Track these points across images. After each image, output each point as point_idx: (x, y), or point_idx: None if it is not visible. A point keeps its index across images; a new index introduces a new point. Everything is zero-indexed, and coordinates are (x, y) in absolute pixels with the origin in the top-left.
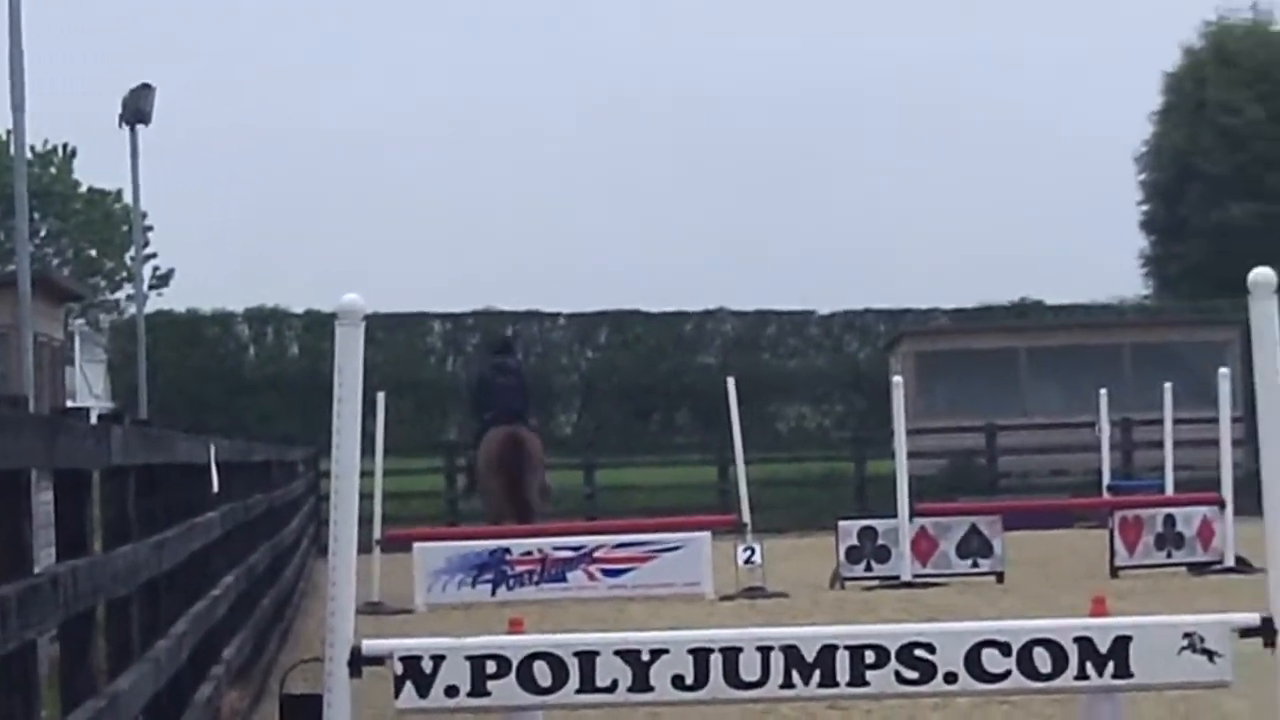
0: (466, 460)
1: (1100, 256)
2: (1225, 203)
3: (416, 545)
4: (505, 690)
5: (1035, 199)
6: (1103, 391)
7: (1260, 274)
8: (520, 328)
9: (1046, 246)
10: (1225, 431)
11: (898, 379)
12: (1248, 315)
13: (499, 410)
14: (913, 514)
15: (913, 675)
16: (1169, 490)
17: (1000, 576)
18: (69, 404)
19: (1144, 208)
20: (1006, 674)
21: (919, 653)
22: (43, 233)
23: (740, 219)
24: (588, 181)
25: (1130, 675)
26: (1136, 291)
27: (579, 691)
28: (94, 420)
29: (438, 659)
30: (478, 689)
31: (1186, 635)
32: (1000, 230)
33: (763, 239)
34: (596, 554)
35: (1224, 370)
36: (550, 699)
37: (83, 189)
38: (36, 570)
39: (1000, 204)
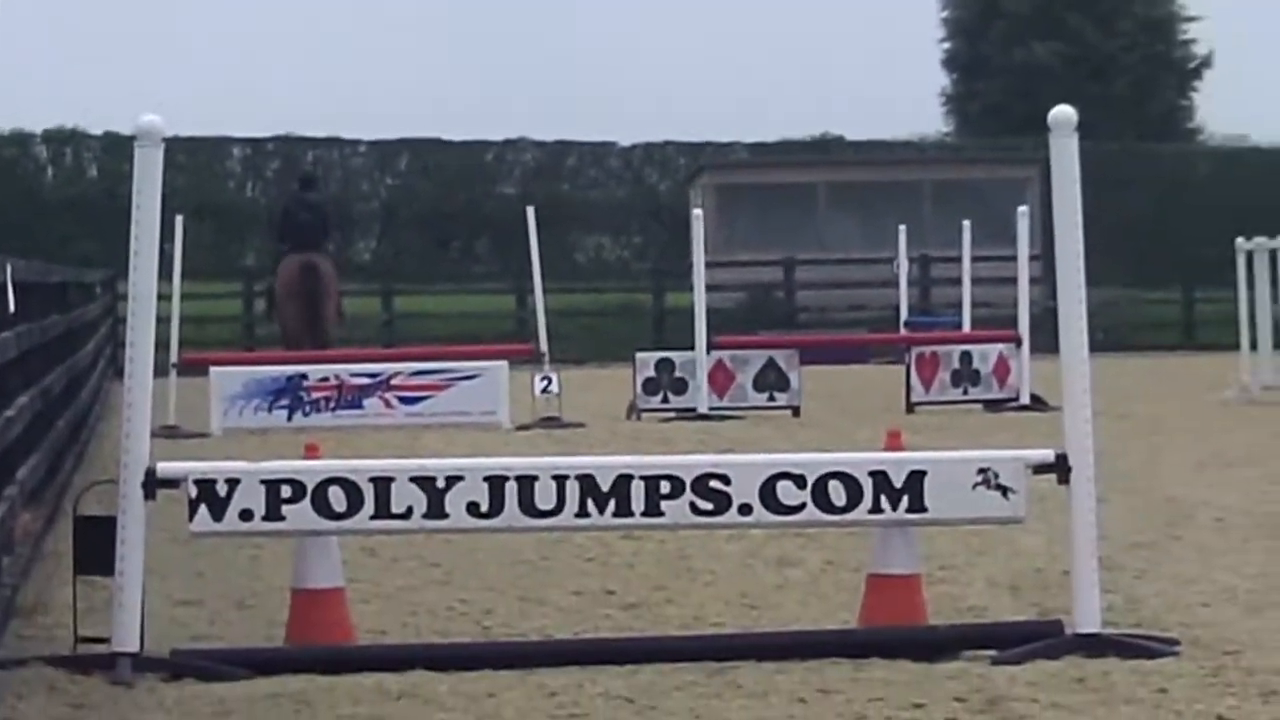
0: (266, 286)
1: (901, 93)
2: (1028, 41)
3: (213, 370)
4: (300, 515)
5: (837, 33)
6: (902, 228)
7: (1060, 112)
8: (320, 154)
9: (848, 82)
10: (1023, 269)
11: (697, 212)
12: (1048, 154)
13: (296, 241)
14: (710, 347)
15: (707, 506)
16: (966, 327)
17: (796, 410)
18: None
19: (946, 45)
20: (801, 506)
21: (714, 484)
22: None
23: (542, 47)
24: (390, 4)
25: (925, 510)
26: (937, 129)
27: (373, 518)
28: None
29: (232, 483)
30: (272, 513)
31: (981, 471)
32: (801, 65)
33: (565, 69)
34: (393, 381)
35: (1023, 209)
36: (345, 524)
37: None
38: None
39: (801, 38)
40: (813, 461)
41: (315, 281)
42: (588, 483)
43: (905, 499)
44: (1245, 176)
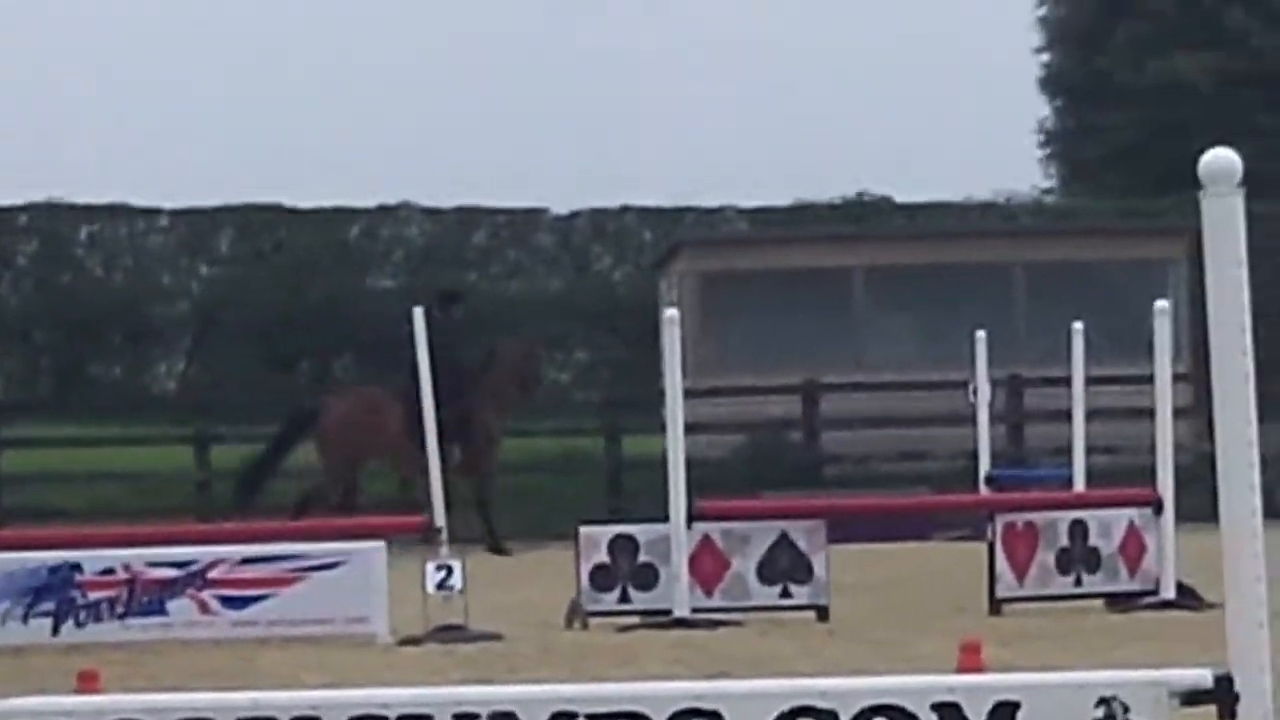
0: None
1: (977, 132)
2: (1169, 50)
3: None
4: None
5: (878, 46)
6: (980, 334)
7: (1218, 158)
8: (100, 229)
9: (894, 120)
10: (1163, 397)
11: (672, 313)
12: (1199, 221)
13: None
14: (693, 517)
15: None
16: (1079, 485)
17: (824, 612)
18: None
19: (1044, 57)
20: None
21: None
22: None
23: (436, 72)
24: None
25: None
26: (1033, 185)
27: None
28: None
29: None
30: None
31: (1103, 702)
32: (825, 93)
33: (476, 108)
34: (212, 573)
35: (1162, 304)
36: None
37: None
38: None
39: (827, 54)
40: (849, 690)
41: None
42: None
43: None
44: None
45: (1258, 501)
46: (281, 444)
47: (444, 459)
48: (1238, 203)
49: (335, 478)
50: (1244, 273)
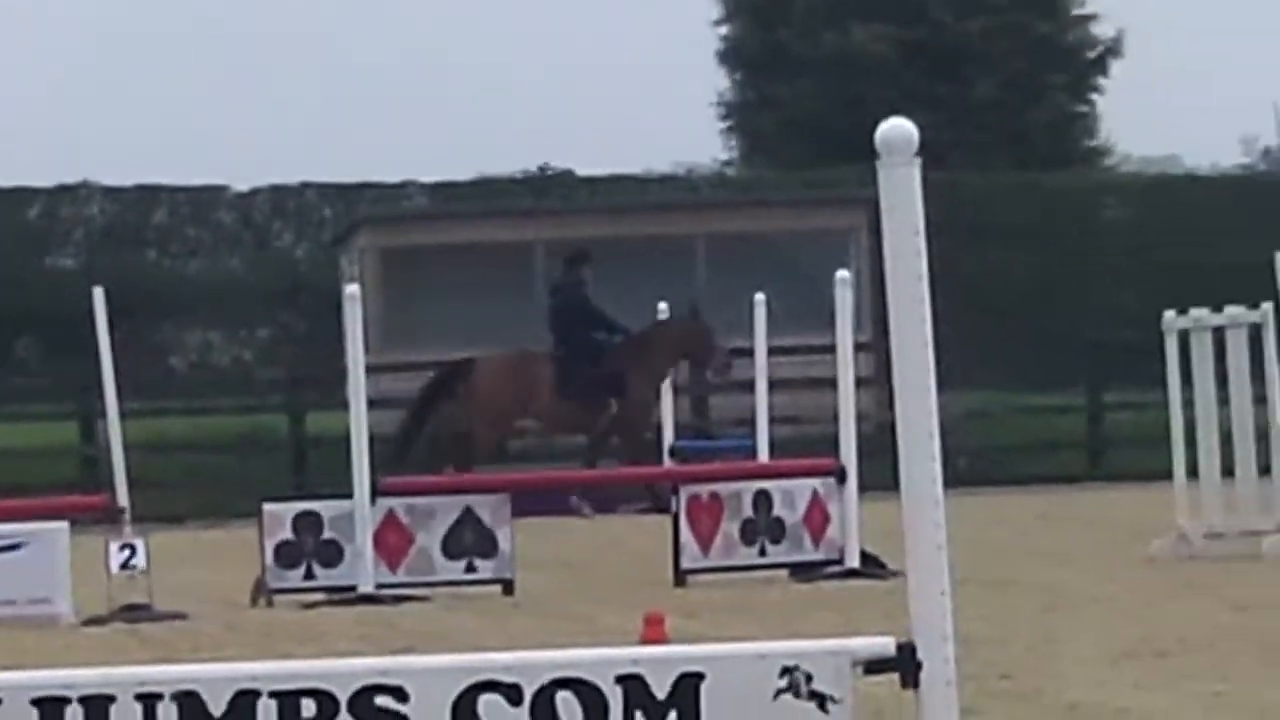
0: None
1: (657, 104)
2: (845, 22)
3: None
4: None
5: (561, 12)
6: (662, 306)
7: (894, 129)
8: None
9: (576, 90)
10: (845, 366)
11: (353, 289)
12: (878, 192)
13: None
14: (377, 492)
15: None
16: (763, 455)
17: (509, 586)
18: None
19: (724, 30)
20: None
21: (383, 700)
22: None
23: (114, 49)
24: None
25: None
26: (713, 157)
27: None
28: None
29: None
30: None
31: (786, 671)
32: (505, 65)
33: (155, 85)
34: None
35: (843, 274)
36: None
37: None
38: None
39: (512, 30)
40: (533, 664)
41: None
42: (192, 704)
43: (673, 716)
44: (1174, 218)
45: (938, 470)
46: (426, 402)
47: (584, 417)
48: (914, 173)
49: (486, 437)
50: (922, 242)
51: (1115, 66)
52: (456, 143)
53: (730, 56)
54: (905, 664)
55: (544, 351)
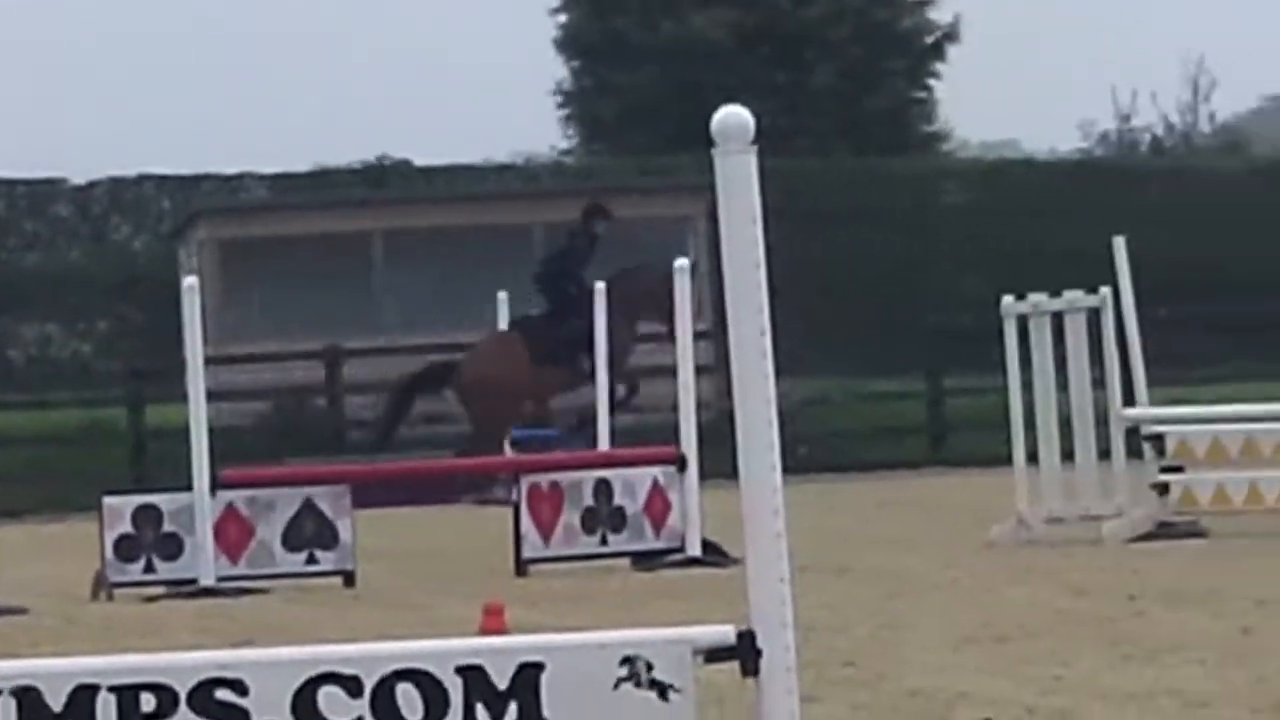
0: None
1: (496, 93)
2: (682, 9)
3: None
4: None
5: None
6: (502, 295)
7: (730, 116)
8: None
9: (405, 81)
10: (685, 354)
11: (191, 281)
12: (714, 178)
13: None
14: (216, 485)
15: None
16: (604, 444)
17: (350, 578)
18: None
19: (561, 18)
20: None
21: (223, 694)
22: None
23: None
24: None
25: None
26: (552, 145)
27: None
28: None
29: None
30: None
31: (626, 660)
32: (345, 54)
33: None
34: None
35: (681, 262)
36: None
37: None
38: None
39: (348, 27)
40: (373, 656)
41: None
42: (31, 699)
43: (514, 706)
44: (1013, 203)
45: (777, 458)
46: (406, 394)
47: (578, 370)
48: (751, 160)
49: (484, 436)
50: (759, 230)
51: (953, 52)
52: (294, 134)
53: (568, 45)
54: (745, 652)
55: (509, 332)
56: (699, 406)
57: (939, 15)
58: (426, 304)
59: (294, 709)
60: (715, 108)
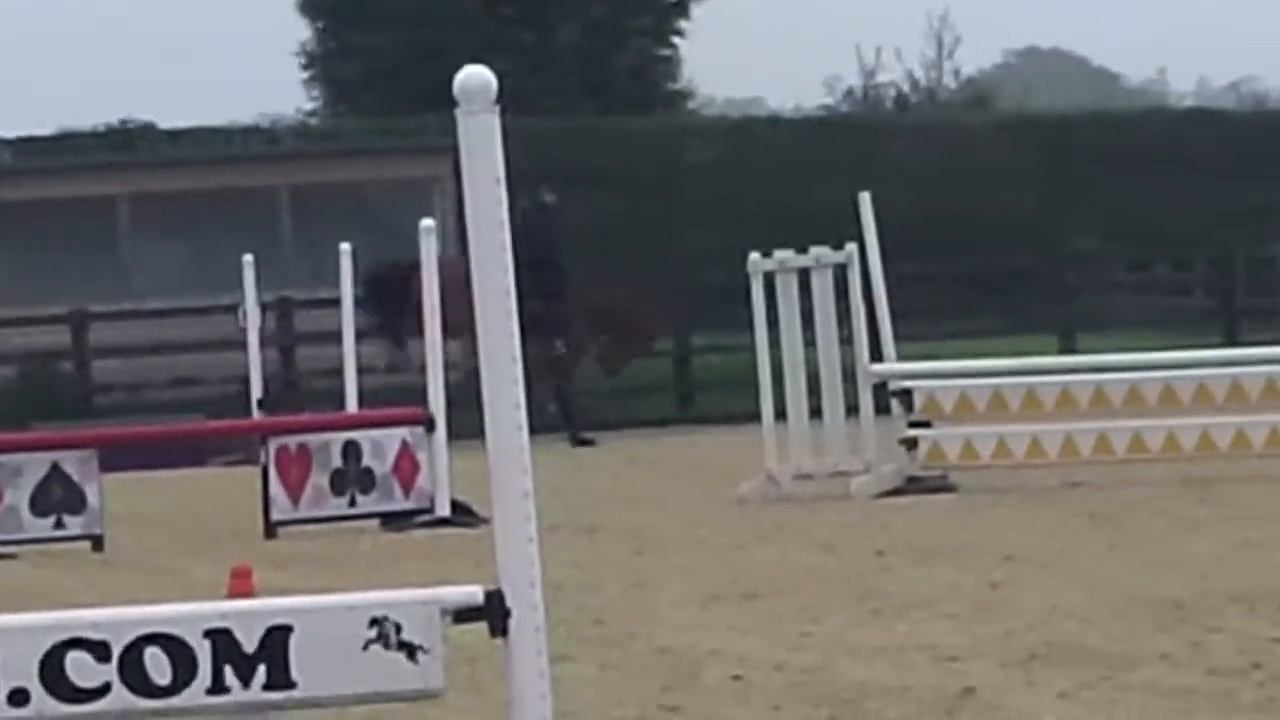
0: None
1: (240, 56)
2: None
3: None
4: None
5: None
6: (247, 259)
7: (471, 76)
8: None
9: (159, 38)
10: (433, 313)
11: None
12: (458, 139)
13: None
14: None
15: None
16: (351, 405)
17: (98, 542)
18: None
19: None
20: (105, 689)
21: None
22: None
23: None
24: None
25: (292, 685)
26: (297, 107)
27: None
28: None
29: None
30: None
31: (375, 622)
32: (87, 15)
33: None
34: None
35: (427, 222)
36: None
37: None
38: None
39: None
40: (120, 620)
41: None
42: None
43: (262, 669)
44: (758, 161)
45: (523, 418)
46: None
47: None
48: (494, 120)
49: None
50: (502, 189)
51: (697, 10)
52: (36, 97)
53: (311, 6)
54: (494, 612)
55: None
56: (447, 367)
57: None
58: (174, 268)
59: (42, 674)
60: (460, 68)
